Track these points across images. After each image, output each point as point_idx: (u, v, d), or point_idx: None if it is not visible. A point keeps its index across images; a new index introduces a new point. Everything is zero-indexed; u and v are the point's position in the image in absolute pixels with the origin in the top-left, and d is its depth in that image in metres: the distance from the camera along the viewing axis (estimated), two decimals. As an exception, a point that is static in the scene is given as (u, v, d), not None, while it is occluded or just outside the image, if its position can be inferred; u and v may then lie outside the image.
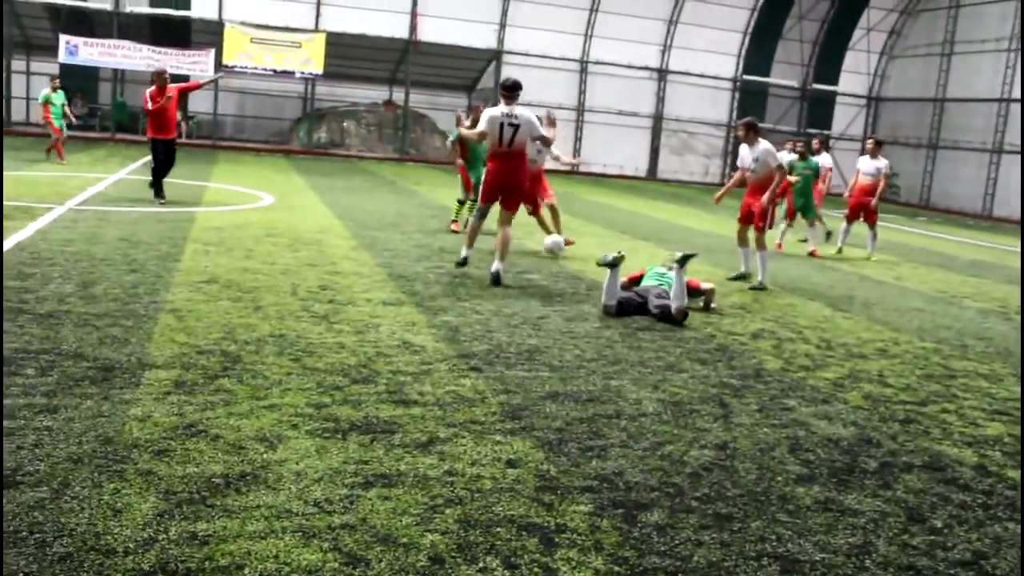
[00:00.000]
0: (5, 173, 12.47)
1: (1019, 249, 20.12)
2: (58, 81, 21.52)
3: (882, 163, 15.01)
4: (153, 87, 13.94)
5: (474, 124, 11.94)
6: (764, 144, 10.78)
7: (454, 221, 13.73)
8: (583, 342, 7.07)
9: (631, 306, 8.27)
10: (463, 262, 9.95)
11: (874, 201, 14.94)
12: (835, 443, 5.17)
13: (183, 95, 16.10)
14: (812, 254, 14.80)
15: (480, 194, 10.08)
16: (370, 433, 4.63)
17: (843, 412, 5.82)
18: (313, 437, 4.49)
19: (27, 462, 3.88)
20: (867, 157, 15.18)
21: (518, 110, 9.48)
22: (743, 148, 11.01)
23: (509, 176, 9.60)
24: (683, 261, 8.35)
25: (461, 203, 13.81)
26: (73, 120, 20.91)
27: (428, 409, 5.09)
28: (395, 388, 5.43)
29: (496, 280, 9.32)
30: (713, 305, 8.95)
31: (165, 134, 14.21)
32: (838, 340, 8.09)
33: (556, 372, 6.11)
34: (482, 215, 9.94)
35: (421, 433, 4.70)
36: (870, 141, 15.41)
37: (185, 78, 25.69)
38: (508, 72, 34.11)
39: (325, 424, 4.70)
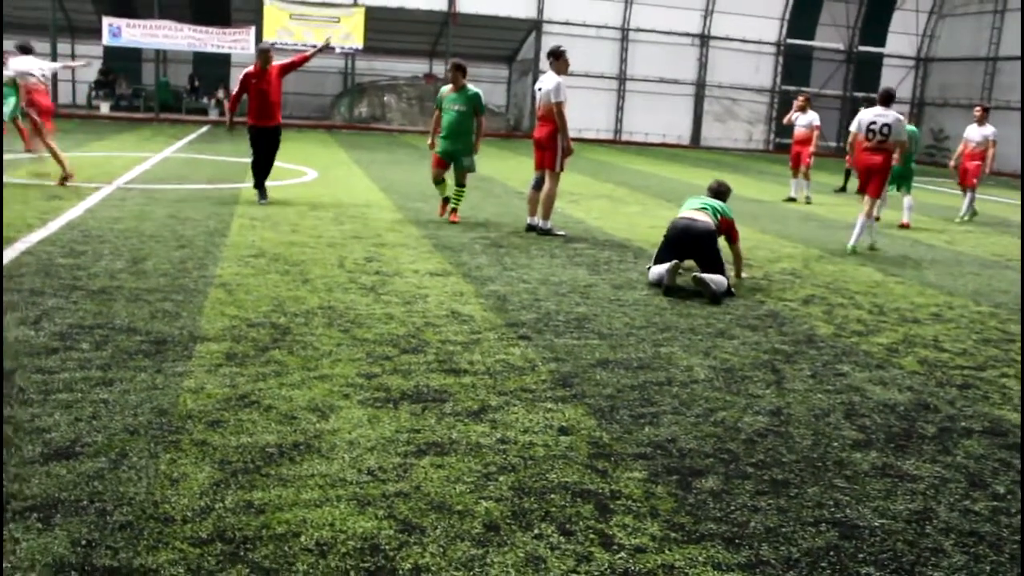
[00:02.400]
0: (55, 153, 12.63)
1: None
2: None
3: (989, 130, 15.62)
4: (252, 67, 11.88)
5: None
6: (895, 113, 10.76)
7: (447, 207, 11.34)
8: (632, 310, 7.01)
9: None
10: (528, 228, 10.76)
11: (987, 168, 15.69)
12: (891, 408, 5.08)
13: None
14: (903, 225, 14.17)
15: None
16: (421, 402, 4.63)
17: (898, 377, 5.71)
18: (365, 407, 4.50)
19: (85, 433, 3.94)
20: (975, 125, 15.71)
21: (544, 77, 10.48)
22: (867, 113, 10.89)
23: (539, 138, 10.48)
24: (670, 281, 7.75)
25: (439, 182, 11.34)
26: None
27: (478, 378, 5.08)
28: (445, 357, 5.43)
29: (531, 229, 10.65)
30: (744, 275, 8.62)
31: (266, 121, 11.85)
32: (891, 305, 7.94)
33: (605, 340, 6.06)
34: (537, 183, 10.65)
35: (472, 401, 4.69)
36: (977, 109, 15.84)
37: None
38: (548, 41, 33.83)
39: (376, 394, 4.70)
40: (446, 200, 11.31)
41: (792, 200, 17.04)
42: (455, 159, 11.03)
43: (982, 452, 4.50)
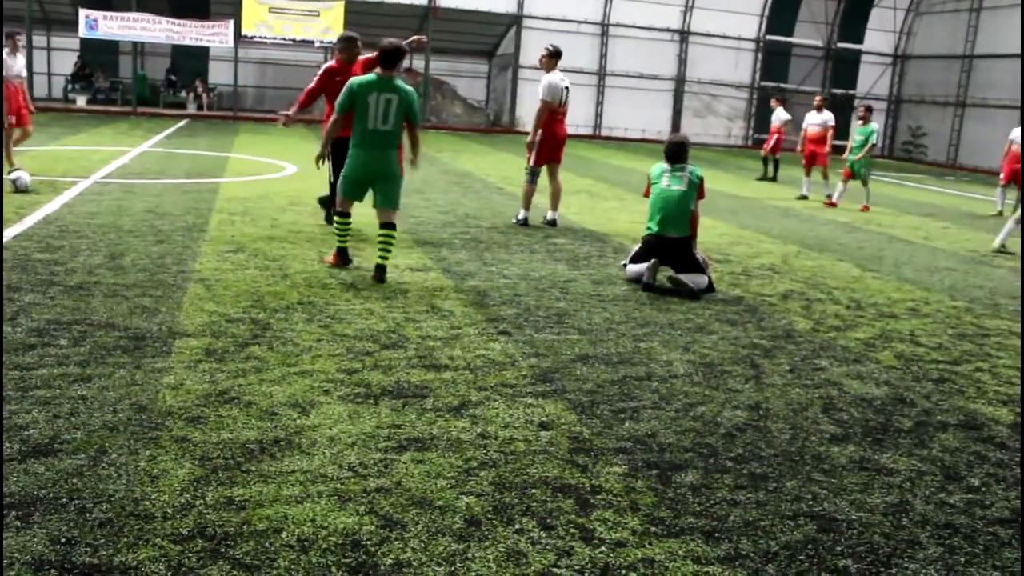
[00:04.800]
0: (32, 148, 12.49)
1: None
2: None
3: None
4: (334, 60, 9.58)
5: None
6: None
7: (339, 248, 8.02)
8: (611, 305, 7.04)
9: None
10: (524, 222, 10.95)
11: None
12: (868, 403, 5.13)
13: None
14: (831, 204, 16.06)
15: (537, 157, 10.87)
16: (402, 398, 4.63)
17: (875, 372, 5.76)
18: (345, 402, 4.50)
19: (64, 430, 3.91)
20: (1018, 129, 16.58)
21: (565, 76, 10.99)
22: None
23: (563, 132, 11.01)
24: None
25: (336, 213, 8.15)
26: None
27: (459, 373, 5.09)
28: (425, 353, 5.43)
29: (553, 224, 10.99)
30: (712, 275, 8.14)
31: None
32: (868, 300, 8.01)
33: (585, 335, 6.09)
34: (536, 177, 10.95)
35: (453, 397, 4.70)
36: None
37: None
38: (528, 36, 33.89)
39: (357, 389, 4.70)
40: (341, 251, 7.94)
41: (804, 198, 16.91)
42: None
43: (957, 445, 4.56)
